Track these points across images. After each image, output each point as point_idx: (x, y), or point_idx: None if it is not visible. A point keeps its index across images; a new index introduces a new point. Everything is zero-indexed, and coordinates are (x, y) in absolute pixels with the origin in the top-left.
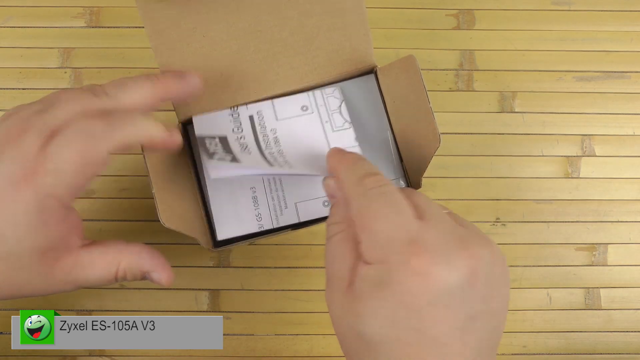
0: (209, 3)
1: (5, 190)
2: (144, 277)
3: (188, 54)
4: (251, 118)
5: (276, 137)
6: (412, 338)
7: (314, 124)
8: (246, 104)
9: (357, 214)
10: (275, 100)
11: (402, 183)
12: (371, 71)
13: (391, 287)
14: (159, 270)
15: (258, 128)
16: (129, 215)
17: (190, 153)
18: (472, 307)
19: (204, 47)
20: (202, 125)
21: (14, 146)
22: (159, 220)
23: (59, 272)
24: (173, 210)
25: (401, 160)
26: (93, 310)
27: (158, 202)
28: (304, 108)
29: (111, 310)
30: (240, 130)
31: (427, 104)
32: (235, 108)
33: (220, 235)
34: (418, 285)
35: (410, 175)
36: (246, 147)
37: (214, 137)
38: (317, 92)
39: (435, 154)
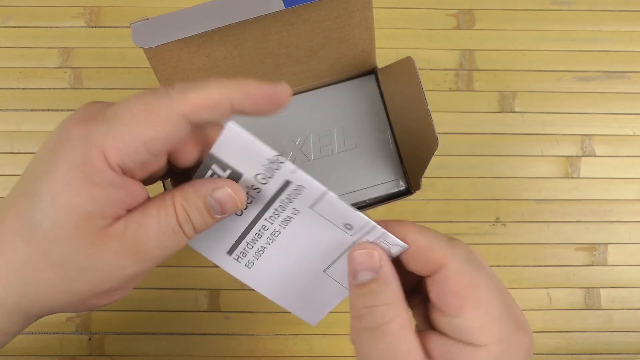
0: (215, 27)
1: (58, 134)
2: (209, 206)
3: (190, 71)
4: (286, 184)
5: (286, 221)
6: None
7: (337, 242)
8: (295, 164)
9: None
10: (329, 193)
11: (402, 184)
12: (371, 72)
13: None
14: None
15: (282, 197)
16: None
17: None
18: None
19: (206, 65)
20: (229, 143)
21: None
22: None
23: (109, 240)
24: None
25: (401, 160)
26: (92, 311)
27: None
28: (347, 227)
29: (111, 310)
30: (264, 181)
31: (425, 106)
32: (282, 157)
33: None
34: None
35: (411, 175)
36: (250, 201)
37: (226, 166)
38: (378, 229)
39: (435, 154)
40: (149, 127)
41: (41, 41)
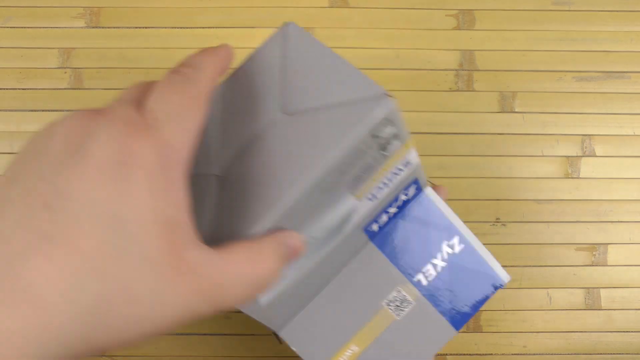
0: None
1: (117, 146)
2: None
3: None
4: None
5: None
6: None
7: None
8: None
9: None
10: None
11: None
12: None
13: None
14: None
15: None
16: None
17: None
18: None
19: None
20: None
21: (104, 117)
22: None
23: (190, 273)
24: None
25: None
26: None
27: None
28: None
29: None
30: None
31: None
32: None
33: None
34: None
35: None
36: None
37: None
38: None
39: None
40: (196, 107)
41: (41, 41)
